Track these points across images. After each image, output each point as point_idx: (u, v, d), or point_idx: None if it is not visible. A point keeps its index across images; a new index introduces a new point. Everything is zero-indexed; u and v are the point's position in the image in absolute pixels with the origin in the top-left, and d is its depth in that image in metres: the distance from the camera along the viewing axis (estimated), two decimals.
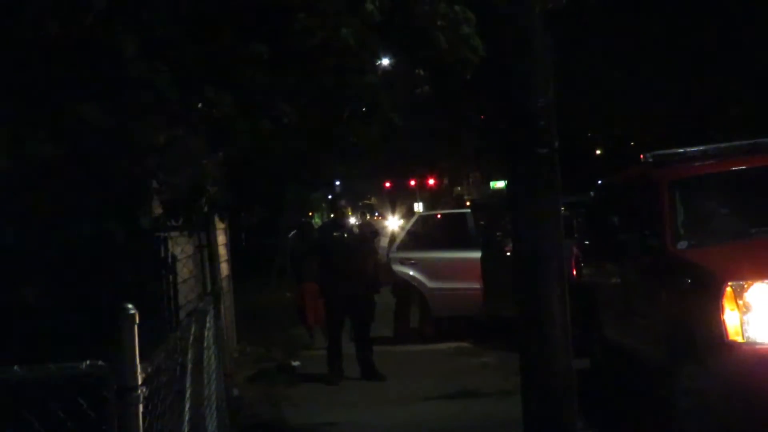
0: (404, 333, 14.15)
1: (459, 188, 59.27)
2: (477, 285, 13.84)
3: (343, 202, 12.04)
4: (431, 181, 63.53)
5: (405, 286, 14.37)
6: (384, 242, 15.46)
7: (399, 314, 14.41)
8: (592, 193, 11.10)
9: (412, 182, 64.73)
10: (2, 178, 4.67)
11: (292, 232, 15.65)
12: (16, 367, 2.75)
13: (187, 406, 4.40)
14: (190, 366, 4.53)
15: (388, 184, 68.98)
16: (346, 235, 11.09)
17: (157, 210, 6.24)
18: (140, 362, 2.77)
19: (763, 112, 21.22)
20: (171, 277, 7.13)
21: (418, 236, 15.69)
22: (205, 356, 5.27)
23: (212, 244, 7.00)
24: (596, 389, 9.04)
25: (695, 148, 8.68)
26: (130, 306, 2.74)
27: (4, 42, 4.68)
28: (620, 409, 8.49)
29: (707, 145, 8.79)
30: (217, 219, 6.56)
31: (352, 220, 17.41)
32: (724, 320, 6.46)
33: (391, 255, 14.70)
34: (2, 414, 2.95)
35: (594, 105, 26.60)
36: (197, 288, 8.68)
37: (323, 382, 10.79)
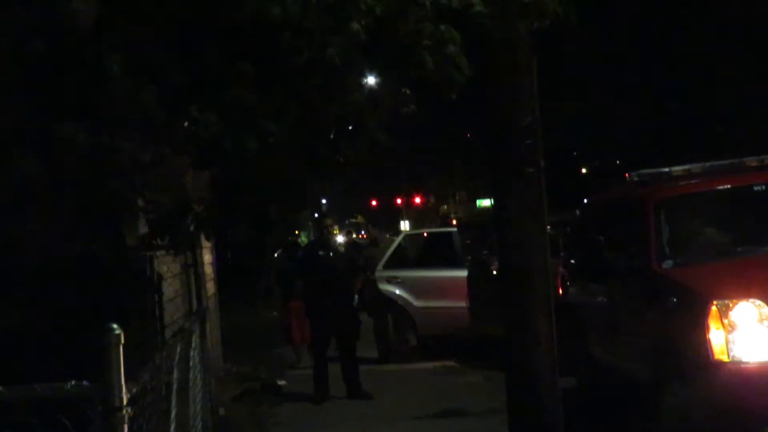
0: (388, 352, 14.08)
1: (445, 207, 59.36)
2: (463, 303, 13.82)
3: (329, 221, 11.97)
4: (417, 200, 63.66)
5: (381, 306, 14.26)
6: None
7: (379, 334, 14.31)
8: (578, 212, 11.13)
9: (399, 200, 64.81)
10: None
11: (278, 251, 15.63)
12: (1, 388, 2.73)
13: (173, 426, 4.38)
14: (175, 386, 4.51)
15: (374, 203, 69.05)
16: (331, 254, 11.07)
17: (143, 229, 6.23)
18: (126, 382, 2.76)
19: (748, 130, 21.37)
20: (156, 296, 7.10)
21: (405, 255, 15.68)
22: (191, 376, 5.25)
23: (198, 263, 6.99)
24: (583, 408, 9.03)
25: (680, 167, 8.72)
26: (115, 326, 2.73)
27: None
28: (606, 428, 8.48)
29: (692, 163, 8.82)
30: (203, 238, 6.55)
31: (339, 239, 17.39)
32: (709, 339, 6.48)
33: (377, 274, 14.65)
34: None
35: (580, 124, 26.74)
36: (183, 307, 8.65)
37: (309, 402, 10.75)
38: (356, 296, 12.59)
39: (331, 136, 6.34)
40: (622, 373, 8.57)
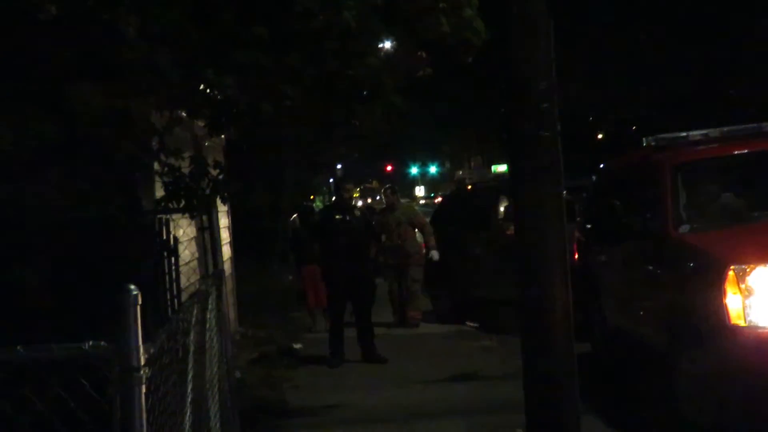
0: (403, 316, 14.05)
1: (460, 172, 59.32)
2: None
3: (349, 185, 11.87)
4: (432, 169, 63.68)
5: (396, 270, 14.15)
6: None
7: (394, 298, 14.26)
8: (594, 177, 11.09)
9: (414, 170, 64.93)
10: (5, 158, 4.67)
11: (294, 216, 15.65)
12: (19, 348, 2.75)
13: (190, 387, 4.40)
14: (192, 348, 4.53)
15: (389, 168, 69.06)
16: (348, 218, 11.06)
17: (159, 192, 6.24)
18: (143, 343, 2.77)
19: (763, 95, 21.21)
20: (173, 258, 7.13)
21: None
22: (207, 338, 5.27)
23: (214, 227, 6.99)
24: (597, 373, 9.05)
25: (697, 132, 8.66)
26: (132, 287, 2.73)
27: (3, 23, 4.67)
28: (621, 393, 8.50)
29: (709, 128, 8.77)
30: (219, 201, 6.56)
31: (360, 203, 17.34)
32: (726, 304, 6.46)
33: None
34: (4, 394, 2.95)
35: (597, 87, 26.60)
36: (199, 270, 8.68)
37: (324, 365, 10.81)
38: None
39: (347, 100, 6.33)
40: (638, 339, 8.57)
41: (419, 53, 6.32)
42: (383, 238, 13.58)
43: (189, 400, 4.35)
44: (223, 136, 8.45)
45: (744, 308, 6.41)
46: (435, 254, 13.88)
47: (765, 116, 9.15)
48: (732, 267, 6.48)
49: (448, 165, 66.57)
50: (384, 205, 14.55)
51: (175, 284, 7.06)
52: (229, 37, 5.37)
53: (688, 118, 19.80)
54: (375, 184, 77.73)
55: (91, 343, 2.74)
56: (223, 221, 11.30)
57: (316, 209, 19.43)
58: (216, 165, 6.28)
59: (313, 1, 5.49)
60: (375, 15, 5.69)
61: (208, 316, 5.37)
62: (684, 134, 8.67)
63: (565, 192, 5.56)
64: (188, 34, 5.17)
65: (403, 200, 16.60)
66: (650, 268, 8.16)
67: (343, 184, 11.78)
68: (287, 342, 12.27)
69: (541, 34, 5.36)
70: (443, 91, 29.60)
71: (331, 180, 40.37)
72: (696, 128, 8.86)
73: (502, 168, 40.19)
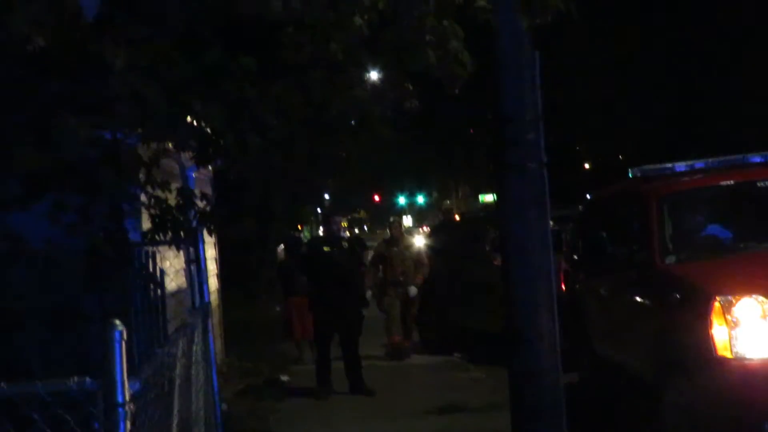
0: (396, 348, 13.96)
1: (448, 202, 59.28)
2: None
3: (337, 218, 12.01)
4: (420, 199, 63.71)
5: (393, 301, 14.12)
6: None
7: (389, 329, 14.19)
8: (580, 207, 11.12)
9: (401, 200, 64.97)
10: None
11: (280, 246, 15.64)
12: (2, 384, 2.73)
13: (175, 421, 4.38)
14: (178, 381, 4.51)
15: (377, 198, 68.99)
16: (335, 250, 11.07)
17: (146, 224, 6.23)
18: (128, 378, 2.75)
19: (749, 127, 21.34)
20: (159, 291, 7.11)
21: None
22: (193, 371, 5.24)
23: (200, 259, 6.98)
24: (585, 404, 9.02)
25: (683, 163, 8.70)
26: (117, 322, 2.72)
27: None
28: (609, 424, 8.48)
29: (695, 159, 8.81)
30: (206, 233, 6.56)
31: (347, 233, 17.37)
32: (712, 335, 6.47)
33: None
34: None
35: (583, 119, 26.70)
36: (186, 302, 8.65)
37: (312, 397, 10.76)
38: (369, 291, 12.60)
39: (334, 131, 6.34)
40: (625, 369, 8.56)
41: (405, 85, 6.35)
42: (380, 269, 13.64)
43: None
44: (210, 167, 8.45)
45: (730, 339, 6.41)
46: (412, 290, 13.80)
47: (750, 147, 9.20)
48: (718, 298, 6.49)
49: (435, 195, 66.57)
50: (388, 236, 14.49)
51: (161, 317, 7.04)
52: (216, 69, 5.38)
53: (674, 149, 19.89)
54: (362, 214, 77.72)
55: (76, 378, 2.72)
56: (210, 252, 11.28)
57: (304, 239, 19.41)
58: (203, 197, 6.28)
59: (300, 33, 5.51)
60: (362, 47, 5.72)
61: (194, 349, 5.35)
62: (670, 165, 8.71)
63: (551, 222, 5.57)
64: (176, 66, 5.18)
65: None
66: (637, 298, 8.16)
67: (331, 217, 11.85)
68: (274, 373, 12.22)
69: (525, 66, 5.39)
70: (430, 120, 29.67)
71: (319, 210, 40.37)
72: (682, 159, 8.89)
73: (489, 198, 40.24)
